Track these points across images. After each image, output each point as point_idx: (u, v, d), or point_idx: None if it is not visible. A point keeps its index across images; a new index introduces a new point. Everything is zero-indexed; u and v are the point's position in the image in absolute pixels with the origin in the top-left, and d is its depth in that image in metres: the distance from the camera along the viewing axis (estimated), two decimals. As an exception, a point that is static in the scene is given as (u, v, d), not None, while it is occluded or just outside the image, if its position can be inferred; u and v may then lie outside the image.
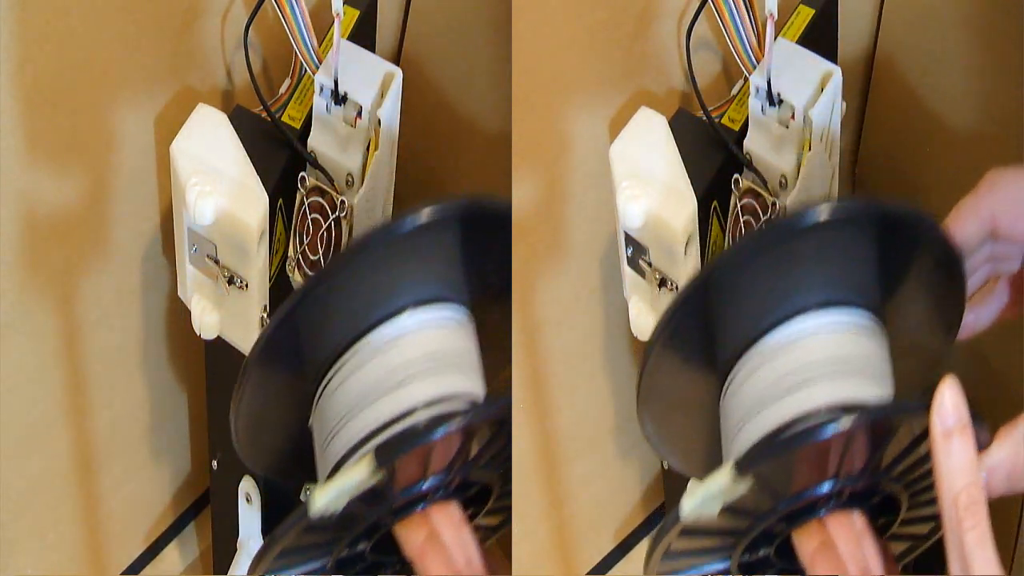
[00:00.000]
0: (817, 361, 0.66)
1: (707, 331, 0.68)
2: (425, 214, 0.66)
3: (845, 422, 0.62)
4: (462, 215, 0.68)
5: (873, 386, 0.67)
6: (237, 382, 0.71)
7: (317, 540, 0.69)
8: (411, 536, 0.67)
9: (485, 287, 0.72)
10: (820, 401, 0.65)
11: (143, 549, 1.03)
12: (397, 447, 0.65)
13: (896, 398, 0.69)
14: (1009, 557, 0.95)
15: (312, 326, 0.69)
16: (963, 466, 0.60)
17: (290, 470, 0.76)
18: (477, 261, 0.71)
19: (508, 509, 0.73)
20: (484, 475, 0.69)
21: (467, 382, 0.71)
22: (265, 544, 0.68)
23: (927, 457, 0.64)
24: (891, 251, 0.65)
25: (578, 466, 1.01)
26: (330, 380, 0.71)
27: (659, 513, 1.07)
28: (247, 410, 0.72)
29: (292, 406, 0.72)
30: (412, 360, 0.69)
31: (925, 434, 0.63)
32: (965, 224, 0.66)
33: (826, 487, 0.65)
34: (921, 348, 0.70)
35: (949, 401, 0.61)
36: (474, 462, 0.68)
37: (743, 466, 0.63)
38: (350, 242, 0.74)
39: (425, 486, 0.67)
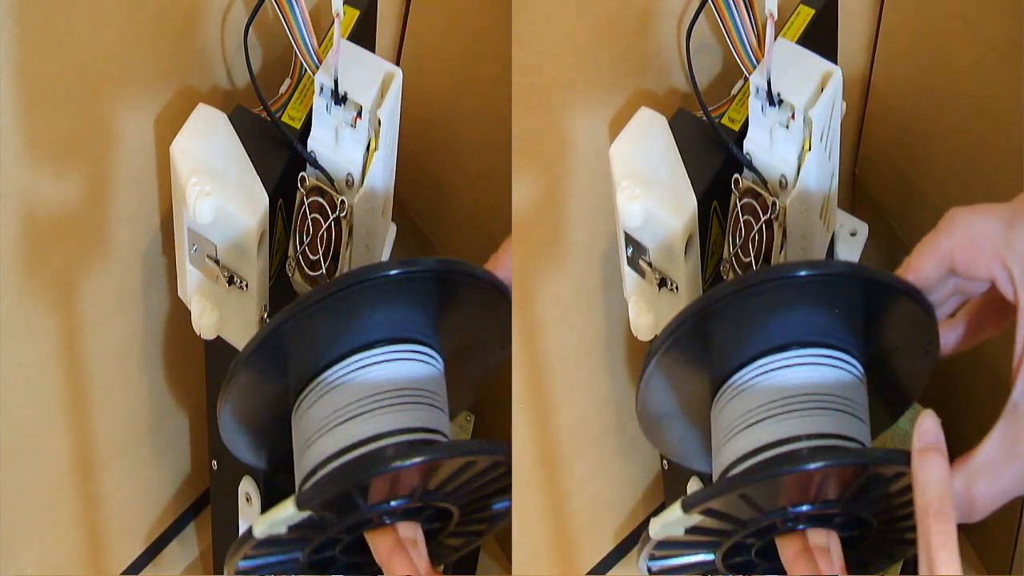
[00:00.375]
0: (796, 394, 0.72)
1: (703, 346, 0.74)
2: (396, 268, 0.73)
3: (806, 460, 0.69)
4: (432, 274, 0.74)
5: (844, 419, 0.73)
6: (226, 378, 0.76)
7: (288, 544, 0.76)
8: (380, 542, 0.74)
9: (455, 337, 0.78)
10: (796, 431, 0.72)
11: (143, 549, 1.03)
12: (318, 493, 0.72)
13: (874, 420, 0.76)
14: (1009, 557, 0.95)
15: (296, 343, 0.75)
16: (936, 478, 0.66)
17: (278, 463, 0.81)
18: (449, 315, 0.77)
19: (468, 533, 0.80)
20: (446, 504, 0.76)
21: (432, 417, 0.76)
22: (230, 553, 0.76)
23: (898, 493, 0.70)
24: (867, 304, 0.71)
25: (578, 466, 1.01)
26: (308, 394, 0.76)
27: (659, 514, 1.06)
28: (234, 405, 0.77)
29: (278, 408, 0.78)
30: (382, 390, 0.75)
31: (890, 474, 0.69)
32: (925, 263, 0.70)
33: (803, 508, 0.71)
34: (900, 374, 0.77)
35: (928, 425, 0.67)
36: (436, 492, 0.74)
37: (688, 505, 0.70)
38: (333, 277, 0.81)
39: (393, 504, 0.74)
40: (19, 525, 0.92)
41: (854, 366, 0.74)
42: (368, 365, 0.76)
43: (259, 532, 0.73)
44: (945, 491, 0.66)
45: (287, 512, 0.72)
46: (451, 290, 0.75)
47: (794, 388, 0.72)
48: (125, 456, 0.98)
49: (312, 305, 0.73)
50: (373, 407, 0.75)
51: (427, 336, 0.77)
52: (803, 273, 0.70)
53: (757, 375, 0.73)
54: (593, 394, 0.99)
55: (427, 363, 0.77)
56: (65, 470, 0.94)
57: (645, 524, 1.06)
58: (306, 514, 0.72)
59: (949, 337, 0.74)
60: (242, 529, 0.90)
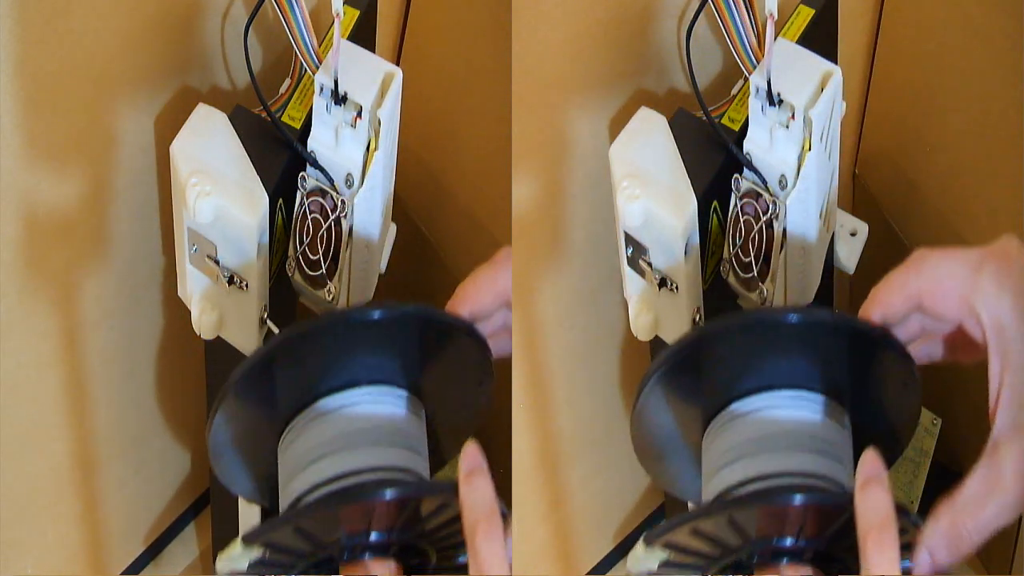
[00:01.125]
0: (779, 432, 0.74)
1: (695, 379, 0.75)
2: (376, 314, 0.74)
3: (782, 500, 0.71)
4: (412, 320, 0.75)
5: (820, 459, 0.74)
6: (212, 408, 0.75)
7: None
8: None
9: (435, 382, 0.78)
10: (779, 468, 0.73)
11: (143, 549, 1.03)
12: (266, 531, 0.73)
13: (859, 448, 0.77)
14: (1009, 557, 0.95)
15: (284, 375, 0.75)
16: (877, 509, 0.67)
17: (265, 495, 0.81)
18: (430, 361, 0.77)
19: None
20: (423, 544, 0.75)
21: (410, 456, 0.76)
22: None
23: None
24: (848, 350, 0.73)
25: (578, 466, 1.01)
26: (292, 428, 0.76)
27: (659, 513, 1.07)
28: (224, 434, 0.77)
29: (267, 438, 0.78)
30: (362, 427, 0.75)
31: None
32: (892, 299, 0.72)
33: (771, 543, 0.72)
34: (887, 408, 0.77)
35: (869, 459, 0.69)
36: (413, 530, 0.74)
37: (650, 540, 0.72)
38: (317, 317, 0.80)
39: (370, 538, 0.73)
40: (19, 525, 0.92)
41: (836, 408, 0.75)
42: (346, 406, 0.76)
43: (220, 568, 0.74)
44: (886, 520, 0.67)
45: (236, 550, 0.73)
46: (424, 335, 0.76)
47: (777, 428, 0.74)
48: (125, 456, 0.98)
49: (292, 342, 0.73)
50: (345, 446, 0.75)
51: (406, 380, 0.77)
52: (793, 318, 0.72)
53: (742, 414, 0.75)
54: (593, 394, 0.99)
55: (405, 406, 0.77)
56: (65, 470, 0.94)
57: (645, 524, 1.06)
58: (253, 555, 0.73)
59: (921, 351, 0.75)
60: (242, 529, 0.90)
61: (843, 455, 0.74)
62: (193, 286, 0.83)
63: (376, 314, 0.73)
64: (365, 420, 0.75)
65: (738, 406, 0.74)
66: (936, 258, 0.70)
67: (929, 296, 0.70)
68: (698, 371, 0.74)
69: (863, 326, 0.72)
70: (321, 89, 0.81)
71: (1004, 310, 0.68)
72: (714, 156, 0.84)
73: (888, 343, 0.72)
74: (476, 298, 0.76)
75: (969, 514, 0.68)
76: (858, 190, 1.06)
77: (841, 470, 0.74)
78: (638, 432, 0.78)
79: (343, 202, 0.81)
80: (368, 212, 0.82)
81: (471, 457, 0.70)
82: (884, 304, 0.71)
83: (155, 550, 1.03)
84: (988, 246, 0.69)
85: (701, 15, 0.85)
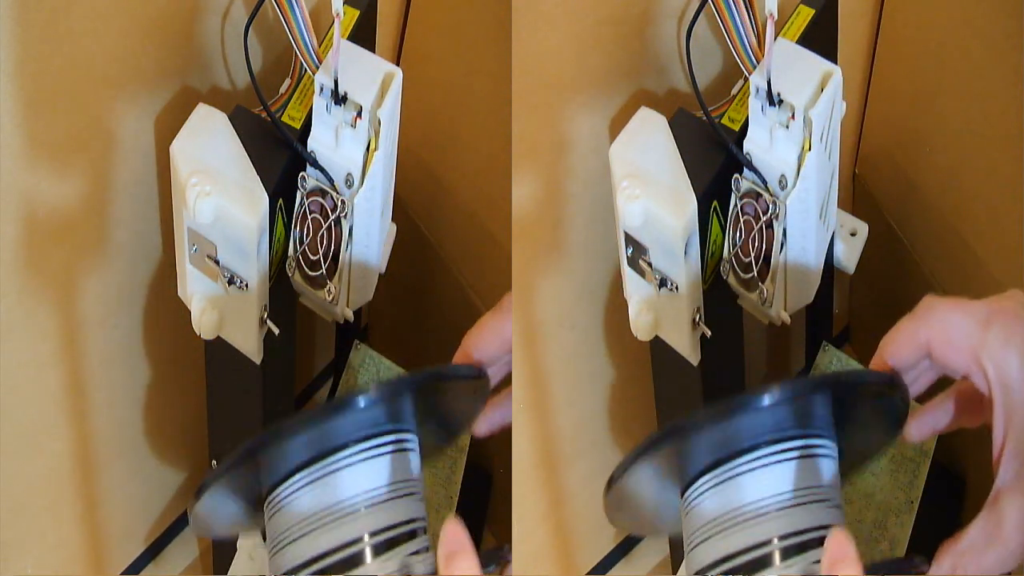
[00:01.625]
0: (766, 494, 0.71)
1: (675, 450, 0.72)
2: (362, 400, 0.69)
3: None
4: (406, 389, 0.72)
5: (817, 510, 0.72)
6: (197, 493, 0.73)
7: None
8: None
9: (426, 408, 0.75)
10: (767, 535, 0.71)
11: (143, 549, 1.03)
12: None
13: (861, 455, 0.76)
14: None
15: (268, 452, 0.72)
16: None
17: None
18: (419, 401, 0.74)
19: None
20: None
21: (395, 506, 0.73)
22: None
23: None
24: (839, 405, 0.71)
25: (578, 466, 1.01)
26: (276, 498, 0.73)
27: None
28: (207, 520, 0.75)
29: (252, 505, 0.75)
30: (352, 493, 0.72)
31: None
32: (901, 348, 0.72)
33: None
34: (865, 430, 0.76)
35: (835, 541, 0.68)
36: None
37: None
38: (305, 413, 0.75)
39: None
40: (19, 525, 0.92)
41: (816, 444, 0.73)
42: (328, 473, 0.72)
43: None
44: None
45: None
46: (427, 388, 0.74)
47: (749, 495, 0.71)
48: (125, 456, 0.98)
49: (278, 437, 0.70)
50: (339, 516, 0.72)
51: (393, 425, 0.74)
52: (767, 401, 0.68)
53: (720, 481, 0.72)
54: (593, 394, 0.99)
55: (401, 449, 0.74)
56: (65, 470, 0.94)
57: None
58: None
59: (925, 424, 0.76)
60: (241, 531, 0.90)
61: (828, 492, 0.73)
62: (193, 286, 0.83)
63: (361, 402, 0.70)
64: (346, 487, 0.72)
65: (709, 478, 0.72)
66: (945, 309, 0.71)
67: (937, 345, 0.71)
68: (671, 454, 0.71)
69: (833, 382, 0.71)
70: (321, 89, 0.81)
71: (1011, 367, 0.69)
72: (714, 156, 0.84)
73: (857, 377, 0.71)
74: (482, 347, 0.77)
75: (970, 560, 0.69)
76: (858, 190, 1.06)
77: (825, 510, 0.72)
78: (615, 511, 0.76)
79: (343, 202, 0.81)
80: (368, 212, 0.82)
81: (451, 538, 0.68)
82: (895, 354, 0.72)
83: (155, 550, 1.03)
84: (996, 300, 0.70)
85: (701, 15, 0.85)
